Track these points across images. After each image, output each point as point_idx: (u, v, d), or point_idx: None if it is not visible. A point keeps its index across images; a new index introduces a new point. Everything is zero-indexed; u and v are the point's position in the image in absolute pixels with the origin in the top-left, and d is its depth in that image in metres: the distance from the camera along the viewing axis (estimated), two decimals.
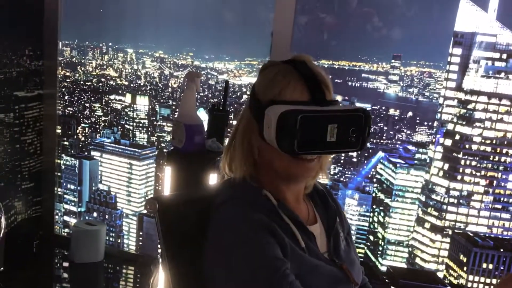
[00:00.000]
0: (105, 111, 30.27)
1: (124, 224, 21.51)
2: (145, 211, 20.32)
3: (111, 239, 19.55)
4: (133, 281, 2.71)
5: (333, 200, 1.04)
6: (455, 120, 25.22)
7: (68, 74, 26.11)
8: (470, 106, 24.54)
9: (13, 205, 2.93)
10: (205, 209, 0.94)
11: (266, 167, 0.93)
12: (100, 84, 28.32)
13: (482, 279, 24.07)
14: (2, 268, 1.51)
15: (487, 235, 25.03)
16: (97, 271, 2.75)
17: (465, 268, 23.98)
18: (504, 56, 23.31)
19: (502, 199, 25.92)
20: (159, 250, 0.99)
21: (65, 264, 2.85)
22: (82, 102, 29.08)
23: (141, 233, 19.77)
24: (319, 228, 0.98)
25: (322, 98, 0.88)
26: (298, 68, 0.90)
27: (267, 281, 0.81)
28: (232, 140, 0.95)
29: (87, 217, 19.20)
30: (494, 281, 23.86)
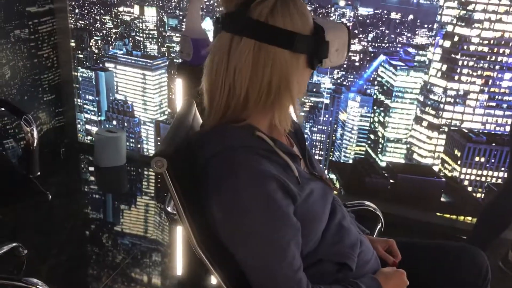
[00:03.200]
0: (115, 23, 29.63)
1: (142, 130, 21.80)
2: (161, 118, 20.41)
3: (131, 144, 19.92)
4: (155, 182, 2.80)
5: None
6: (454, 21, 24.47)
7: None
8: (469, 7, 23.68)
9: (38, 116, 2.97)
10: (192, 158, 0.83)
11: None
12: None
13: (474, 171, 24.60)
14: (39, 173, 1.59)
15: (480, 131, 25.24)
16: (121, 173, 2.83)
17: (459, 162, 24.44)
18: None
19: (496, 97, 25.81)
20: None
21: (91, 169, 2.93)
22: (92, 15, 28.40)
23: (158, 138, 20.11)
24: (297, 149, 0.93)
25: None
26: None
27: (290, 239, 0.77)
28: (231, 79, 0.81)
29: (107, 125, 19.42)
30: (485, 172, 24.41)
